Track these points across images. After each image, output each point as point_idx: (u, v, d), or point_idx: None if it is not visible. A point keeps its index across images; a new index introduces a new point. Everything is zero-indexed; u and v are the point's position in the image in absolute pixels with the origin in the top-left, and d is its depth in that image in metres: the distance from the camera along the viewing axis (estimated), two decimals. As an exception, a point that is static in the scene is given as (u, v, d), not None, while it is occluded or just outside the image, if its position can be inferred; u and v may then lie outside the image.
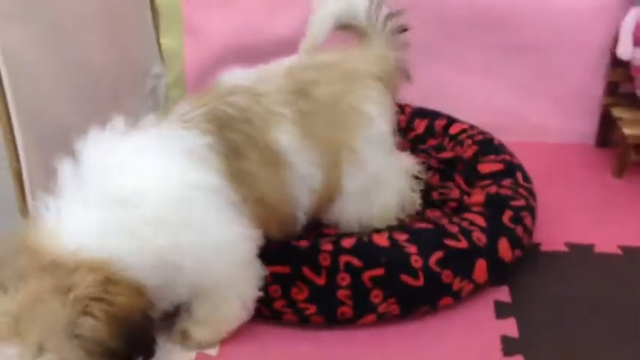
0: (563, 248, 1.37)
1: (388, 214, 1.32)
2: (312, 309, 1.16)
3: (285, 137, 1.15)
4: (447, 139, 1.59)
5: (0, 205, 1.25)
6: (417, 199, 1.38)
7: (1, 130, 1.19)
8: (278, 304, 1.16)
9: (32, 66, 1.22)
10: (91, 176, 0.99)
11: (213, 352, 1.14)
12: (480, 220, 1.26)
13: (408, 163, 1.40)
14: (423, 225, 1.26)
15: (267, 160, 1.13)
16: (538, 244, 1.36)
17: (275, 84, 1.19)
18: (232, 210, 1.06)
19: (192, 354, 1.14)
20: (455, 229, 1.22)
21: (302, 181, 1.18)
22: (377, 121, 1.25)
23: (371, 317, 1.16)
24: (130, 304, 0.94)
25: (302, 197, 1.19)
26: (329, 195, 1.24)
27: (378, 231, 1.27)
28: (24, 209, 1.25)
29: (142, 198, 0.98)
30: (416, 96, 1.56)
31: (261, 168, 1.12)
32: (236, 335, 1.16)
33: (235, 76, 1.21)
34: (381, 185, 1.30)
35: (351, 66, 1.27)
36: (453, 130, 1.59)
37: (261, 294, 1.14)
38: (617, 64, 1.64)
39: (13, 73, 1.16)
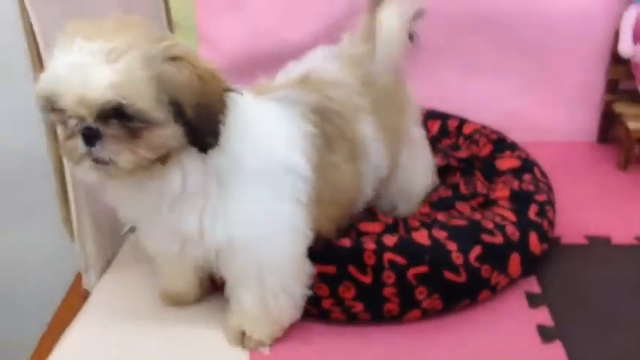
0: (583, 241, 1.43)
1: (425, 184, 1.45)
2: (359, 307, 1.20)
3: (367, 129, 1.22)
4: (461, 139, 1.65)
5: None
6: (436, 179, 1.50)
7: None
8: (326, 303, 1.20)
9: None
10: None
11: (265, 350, 1.17)
12: (511, 215, 1.31)
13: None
14: (459, 222, 1.31)
15: (351, 152, 1.19)
16: (558, 238, 1.43)
17: (351, 75, 1.25)
18: (303, 205, 1.10)
19: (246, 353, 1.17)
20: (490, 224, 1.28)
21: (373, 172, 1.25)
22: (414, 102, 1.38)
23: (415, 313, 1.21)
24: (212, 78, 0.98)
25: (368, 188, 1.26)
26: (385, 180, 1.33)
27: (416, 229, 1.32)
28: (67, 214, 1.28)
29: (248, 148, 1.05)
30: (422, 98, 1.61)
31: (345, 161, 1.18)
32: (286, 334, 1.20)
33: (312, 65, 1.27)
34: (419, 156, 1.42)
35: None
36: (467, 129, 1.66)
37: (310, 293, 1.18)
38: (617, 61, 1.72)
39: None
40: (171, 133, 0.96)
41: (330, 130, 1.16)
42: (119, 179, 1.00)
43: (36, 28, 1.13)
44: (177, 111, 0.95)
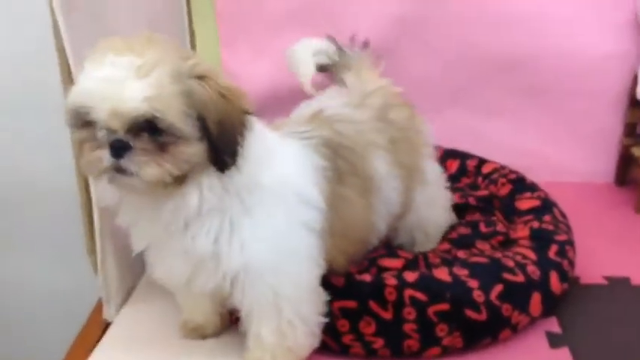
0: (602, 281, 1.43)
1: (442, 221, 1.46)
2: (379, 342, 1.20)
3: (380, 164, 1.23)
4: (480, 178, 1.66)
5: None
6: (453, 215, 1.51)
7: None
8: (347, 339, 1.20)
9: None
10: None
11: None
12: (531, 254, 1.32)
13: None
14: (480, 259, 1.31)
15: (363, 187, 1.20)
16: (577, 278, 1.43)
17: (363, 111, 1.28)
18: (316, 233, 1.12)
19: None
20: (511, 263, 1.28)
21: (385, 207, 1.26)
22: (429, 136, 1.40)
23: (436, 350, 1.21)
24: (235, 97, 1.00)
25: (382, 224, 1.27)
26: (401, 216, 1.33)
27: (437, 266, 1.32)
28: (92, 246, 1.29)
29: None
30: (441, 139, 1.64)
31: (356, 195, 1.19)
32: (306, 368, 1.20)
33: (323, 104, 1.30)
34: (435, 192, 1.43)
35: (392, 89, 1.39)
36: (486, 169, 1.67)
37: (326, 320, 1.17)
38: (635, 105, 1.73)
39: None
40: (196, 149, 0.98)
41: (341, 165, 1.18)
42: (139, 194, 1.01)
43: (67, 45, 1.15)
44: (202, 127, 0.97)
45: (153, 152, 0.95)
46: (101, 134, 0.96)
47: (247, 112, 1.03)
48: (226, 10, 1.78)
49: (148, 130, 0.95)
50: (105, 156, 0.96)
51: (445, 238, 1.48)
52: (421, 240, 1.45)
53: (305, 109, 1.32)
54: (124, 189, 1.01)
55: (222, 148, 0.99)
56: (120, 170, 0.96)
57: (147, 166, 0.95)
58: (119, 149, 0.95)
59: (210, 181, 1.02)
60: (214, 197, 1.03)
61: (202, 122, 0.97)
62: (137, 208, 1.06)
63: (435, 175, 1.45)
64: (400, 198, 1.30)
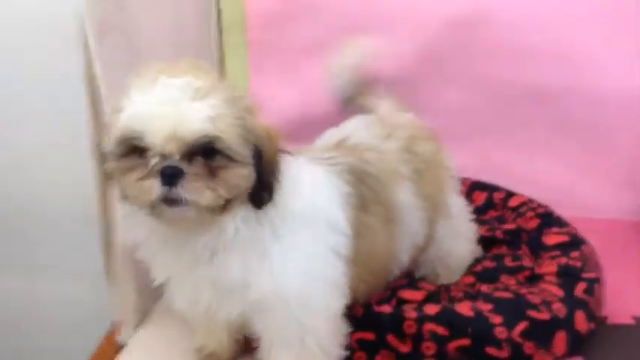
0: (630, 321, 1.38)
1: (466, 254, 1.43)
2: (397, 376, 1.17)
3: (404, 194, 1.22)
4: (508, 212, 1.63)
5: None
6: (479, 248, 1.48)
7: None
8: (364, 372, 1.18)
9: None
10: None
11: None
12: (558, 291, 1.28)
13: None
14: (504, 294, 1.28)
15: (386, 216, 1.19)
16: (605, 317, 1.38)
17: (390, 142, 1.27)
18: (343, 260, 1.10)
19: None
20: (537, 299, 1.24)
21: (408, 238, 1.24)
22: (454, 170, 1.38)
23: (454, 386, 1.18)
24: (274, 134, 1.01)
25: (404, 254, 1.25)
26: (423, 248, 1.31)
27: (459, 300, 1.29)
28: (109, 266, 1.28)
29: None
30: (468, 170, 1.61)
31: (379, 223, 1.17)
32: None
33: (350, 132, 1.29)
34: (459, 226, 1.41)
35: (419, 122, 1.37)
36: (513, 202, 1.64)
37: (346, 353, 1.15)
38: (666, 141, 1.69)
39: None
40: (248, 173, 0.97)
41: (365, 192, 1.17)
42: (183, 225, 0.99)
43: (99, 74, 1.16)
44: (254, 154, 0.97)
45: (205, 177, 0.93)
46: (153, 161, 0.92)
47: (284, 151, 1.03)
48: (256, 38, 1.79)
49: (204, 153, 0.93)
50: (155, 185, 0.92)
51: (470, 271, 1.45)
52: (444, 272, 1.42)
53: (331, 136, 1.31)
54: (169, 222, 0.98)
55: (264, 179, 0.99)
56: (169, 201, 0.93)
57: (202, 192, 0.93)
58: (171, 177, 0.91)
59: (245, 213, 1.01)
60: (248, 229, 1.01)
61: (254, 149, 0.97)
62: (164, 240, 1.04)
63: (459, 208, 1.43)
64: (423, 229, 1.28)
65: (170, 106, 0.91)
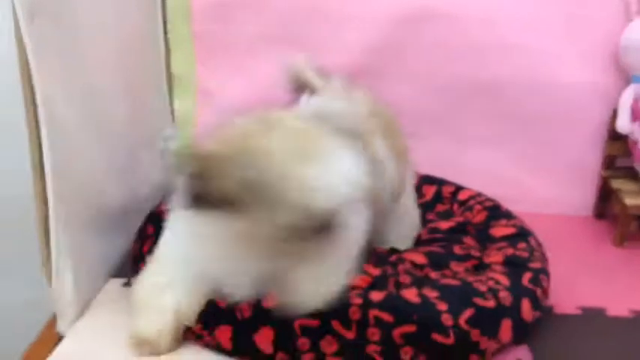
0: (576, 311, 1.39)
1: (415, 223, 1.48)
2: (341, 363, 1.15)
3: (381, 149, 1.23)
4: (455, 205, 1.62)
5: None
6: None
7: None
8: (307, 358, 1.15)
9: (67, 120, 1.24)
10: None
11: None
12: (505, 280, 1.28)
13: None
14: (451, 282, 1.27)
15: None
16: (551, 307, 1.39)
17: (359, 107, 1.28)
18: None
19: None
20: (483, 287, 1.24)
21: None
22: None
23: (400, 373, 1.16)
24: None
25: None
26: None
27: (406, 286, 1.28)
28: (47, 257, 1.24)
29: None
30: (420, 164, 1.60)
31: None
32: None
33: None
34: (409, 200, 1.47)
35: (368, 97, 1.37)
36: (462, 196, 1.64)
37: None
38: (615, 137, 1.71)
39: (51, 124, 1.17)
40: None
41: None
42: None
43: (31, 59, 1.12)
44: None
45: None
46: None
47: None
48: (202, 29, 1.77)
49: None
50: None
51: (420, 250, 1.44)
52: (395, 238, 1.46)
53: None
54: None
55: None
56: None
57: None
58: None
59: None
60: None
61: None
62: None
63: (411, 187, 1.48)
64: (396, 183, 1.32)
65: None
